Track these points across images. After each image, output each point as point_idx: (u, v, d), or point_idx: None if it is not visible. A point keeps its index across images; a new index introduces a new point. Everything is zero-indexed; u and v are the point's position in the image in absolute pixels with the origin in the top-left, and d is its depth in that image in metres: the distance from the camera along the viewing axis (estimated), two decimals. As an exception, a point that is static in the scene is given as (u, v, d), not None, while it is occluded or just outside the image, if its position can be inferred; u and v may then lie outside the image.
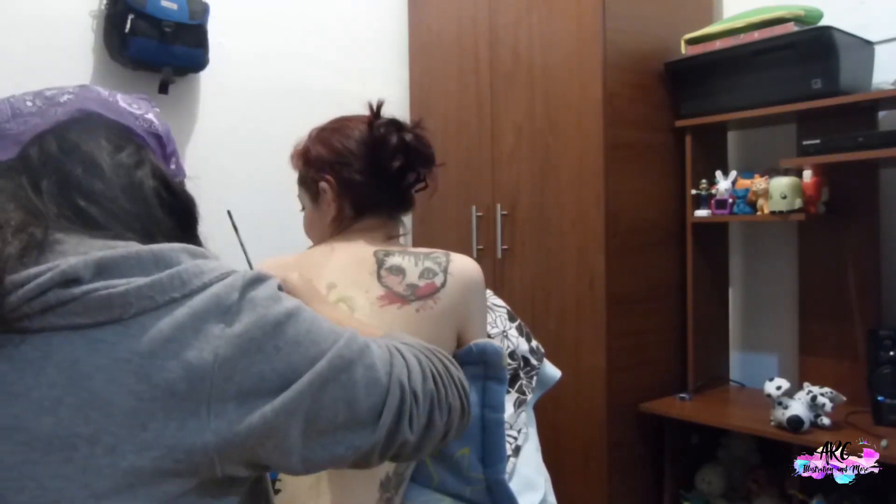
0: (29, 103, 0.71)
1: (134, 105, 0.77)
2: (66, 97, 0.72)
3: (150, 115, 0.78)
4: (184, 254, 0.62)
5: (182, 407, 0.56)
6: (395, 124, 1.14)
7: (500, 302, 1.37)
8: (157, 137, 0.77)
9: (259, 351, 0.60)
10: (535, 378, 1.33)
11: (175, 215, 0.72)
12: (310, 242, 1.24)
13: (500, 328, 1.31)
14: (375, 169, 1.13)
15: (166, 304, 0.58)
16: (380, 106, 1.15)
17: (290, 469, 0.63)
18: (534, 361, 1.33)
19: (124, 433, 0.55)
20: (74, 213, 0.64)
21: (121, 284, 0.57)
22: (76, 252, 0.59)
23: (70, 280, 0.56)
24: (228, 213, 1.07)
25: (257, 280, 0.64)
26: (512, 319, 1.37)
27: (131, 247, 0.60)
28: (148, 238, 0.65)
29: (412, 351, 0.73)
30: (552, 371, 1.42)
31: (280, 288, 0.67)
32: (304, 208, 1.25)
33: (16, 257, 0.56)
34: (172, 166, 0.81)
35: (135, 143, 0.72)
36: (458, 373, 0.77)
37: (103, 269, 0.57)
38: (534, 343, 1.37)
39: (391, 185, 1.15)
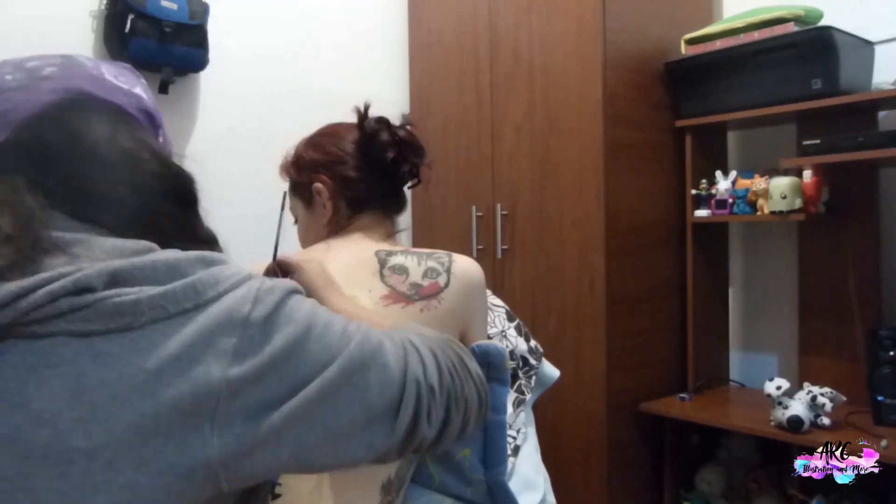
0: (9, 77, 0.67)
1: (121, 78, 0.72)
2: (49, 69, 0.68)
3: (139, 90, 0.73)
4: (199, 264, 0.60)
5: (185, 423, 0.55)
6: (384, 121, 1.16)
7: (498, 302, 1.37)
8: (148, 114, 0.73)
9: (272, 366, 0.59)
10: (533, 378, 1.33)
11: (176, 197, 0.69)
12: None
13: (499, 328, 1.31)
14: (370, 165, 1.15)
15: (178, 314, 0.57)
16: (367, 108, 1.16)
17: (310, 472, 0.63)
18: (532, 361, 1.33)
19: (124, 449, 0.53)
20: (76, 211, 0.62)
21: (132, 293, 0.56)
22: (87, 256, 0.58)
23: (83, 289, 0.55)
24: (284, 194, 1.06)
25: (269, 291, 0.62)
26: (510, 319, 1.37)
27: (146, 257, 0.59)
28: (151, 227, 0.63)
29: (427, 344, 0.71)
30: (551, 371, 1.42)
31: (295, 291, 0.66)
32: (296, 221, 1.24)
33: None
34: (161, 139, 0.77)
35: (130, 123, 0.68)
36: (473, 365, 0.76)
37: (117, 279, 0.56)
38: (532, 343, 1.37)
39: (386, 179, 1.16)
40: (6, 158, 0.62)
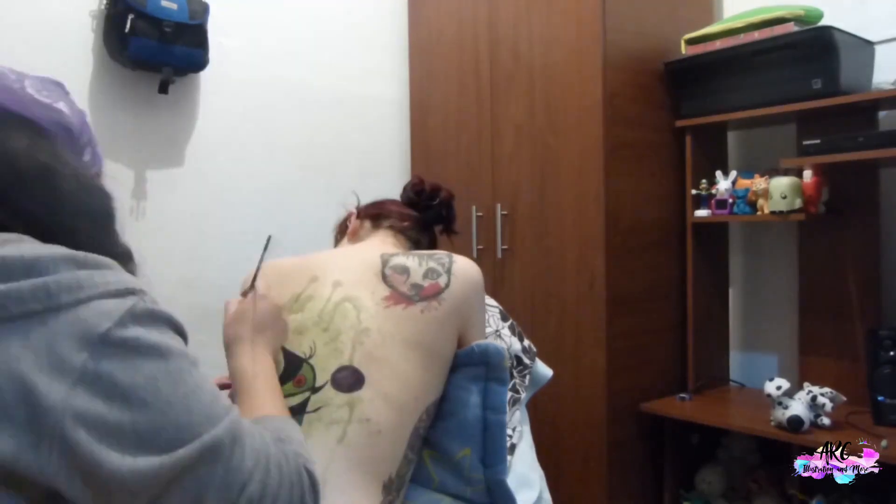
0: None
1: (44, 92, 0.70)
2: None
3: (61, 105, 0.70)
4: (66, 263, 0.55)
5: (19, 432, 0.51)
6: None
7: (492, 301, 1.38)
8: (68, 130, 0.69)
9: (123, 400, 0.53)
10: (528, 377, 1.35)
11: (90, 212, 0.65)
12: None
13: (494, 327, 1.33)
14: (410, 203, 1.37)
15: (22, 316, 0.52)
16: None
17: None
18: (526, 360, 1.35)
19: None
20: None
21: None
22: None
23: None
24: (268, 237, 1.06)
25: (146, 315, 0.57)
26: (504, 319, 1.39)
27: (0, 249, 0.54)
28: (65, 242, 0.58)
29: (279, 464, 0.66)
30: (544, 370, 1.44)
31: (176, 328, 0.61)
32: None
33: None
34: (87, 157, 0.73)
35: (47, 138, 0.65)
36: (314, 499, 0.70)
37: None
38: (526, 342, 1.39)
39: (412, 207, 1.35)
40: None
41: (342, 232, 1.36)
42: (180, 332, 0.61)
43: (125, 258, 0.66)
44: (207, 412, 0.58)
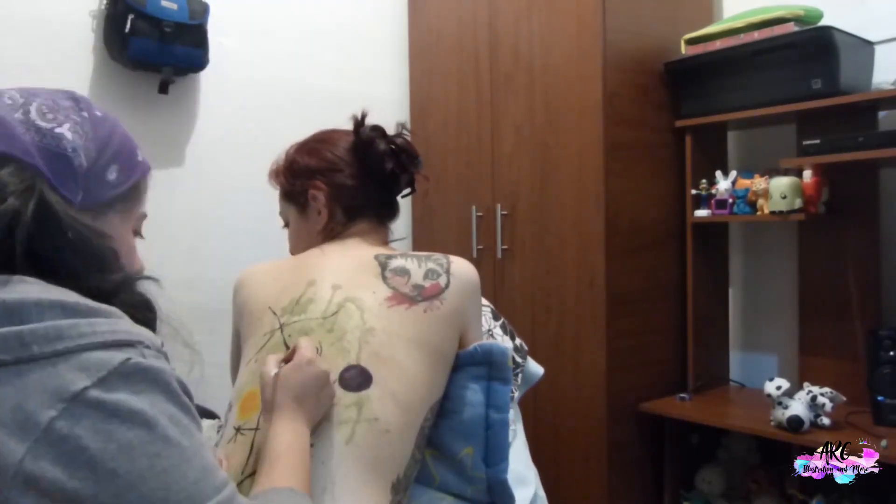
0: None
1: (49, 115, 0.62)
2: None
3: (65, 128, 0.63)
4: (52, 309, 0.50)
5: None
6: (379, 130, 1.17)
7: (484, 301, 1.39)
8: (62, 158, 0.61)
9: (89, 468, 0.47)
10: (519, 375, 1.36)
11: (79, 254, 0.57)
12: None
13: (486, 327, 1.34)
14: (367, 173, 1.16)
15: None
16: (364, 116, 1.17)
17: None
18: (518, 359, 1.36)
19: None
20: None
21: None
22: None
23: None
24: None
25: (137, 374, 0.51)
26: (496, 318, 1.40)
27: None
28: (61, 283, 0.54)
29: None
30: (535, 368, 1.45)
31: (170, 390, 0.53)
32: (286, 225, 1.25)
33: None
34: (111, 176, 0.66)
35: (23, 173, 0.57)
36: None
37: None
38: (518, 341, 1.41)
39: (383, 188, 1.19)
40: None
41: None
42: (177, 393, 0.54)
43: (137, 306, 0.60)
44: (190, 491, 0.51)
